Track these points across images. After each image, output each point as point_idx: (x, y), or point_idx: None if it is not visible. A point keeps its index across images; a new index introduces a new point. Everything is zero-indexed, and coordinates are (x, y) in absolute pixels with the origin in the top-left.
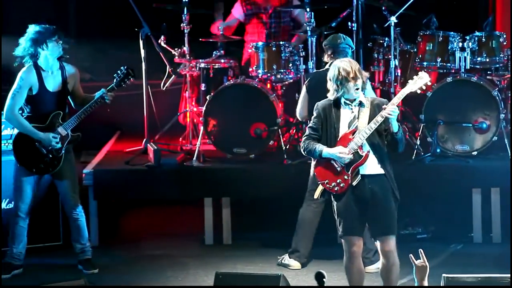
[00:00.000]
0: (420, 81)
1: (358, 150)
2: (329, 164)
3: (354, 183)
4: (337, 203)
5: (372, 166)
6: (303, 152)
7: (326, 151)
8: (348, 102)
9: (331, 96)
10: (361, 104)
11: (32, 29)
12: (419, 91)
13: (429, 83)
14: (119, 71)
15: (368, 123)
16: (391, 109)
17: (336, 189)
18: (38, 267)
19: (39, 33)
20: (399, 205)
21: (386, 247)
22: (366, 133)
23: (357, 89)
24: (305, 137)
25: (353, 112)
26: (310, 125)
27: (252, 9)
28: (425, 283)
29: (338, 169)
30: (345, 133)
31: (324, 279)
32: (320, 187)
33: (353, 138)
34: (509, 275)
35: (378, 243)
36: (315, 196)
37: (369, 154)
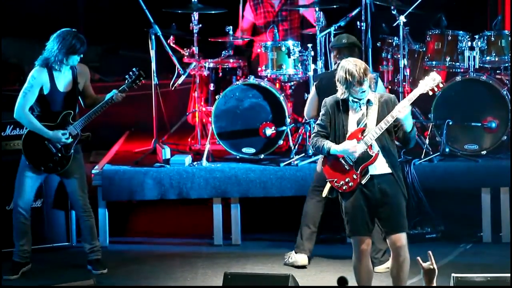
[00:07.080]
0: (431, 82)
1: (368, 149)
2: (337, 162)
3: (363, 182)
4: (345, 202)
5: (381, 166)
6: (311, 149)
7: (334, 148)
8: (356, 100)
9: (339, 95)
10: (369, 102)
11: (68, 38)
12: (430, 93)
13: (441, 85)
14: (131, 73)
15: (377, 120)
16: (402, 111)
17: (344, 187)
18: (48, 268)
19: (73, 46)
20: (407, 204)
21: (398, 242)
22: (376, 132)
23: (363, 91)
24: (314, 134)
25: (361, 109)
26: (318, 122)
27: (260, 9)
28: (434, 285)
29: (347, 167)
30: (354, 131)
31: (346, 285)
32: (328, 185)
33: (363, 137)
34: None
35: (389, 240)
36: (323, 195)
37: (379, 154)
